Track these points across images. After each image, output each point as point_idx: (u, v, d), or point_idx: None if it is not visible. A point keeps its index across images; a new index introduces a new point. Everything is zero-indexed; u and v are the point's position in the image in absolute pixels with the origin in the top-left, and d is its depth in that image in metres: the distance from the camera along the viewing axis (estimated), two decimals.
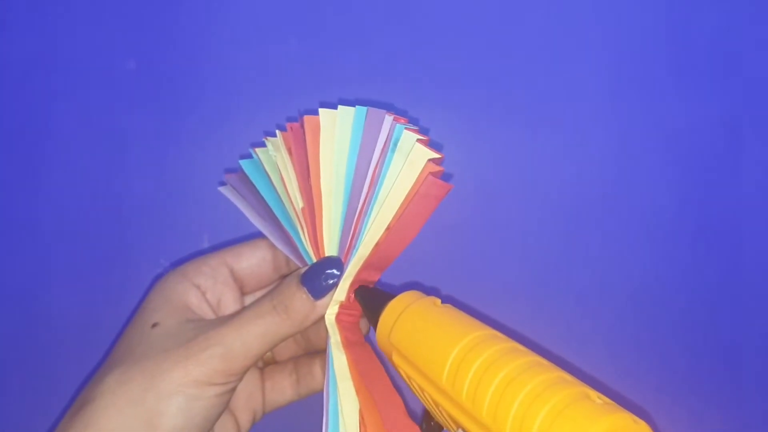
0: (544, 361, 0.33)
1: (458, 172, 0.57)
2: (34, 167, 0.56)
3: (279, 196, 0.41)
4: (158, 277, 0.55)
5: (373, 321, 0.40)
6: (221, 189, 0.44)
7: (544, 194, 0.57)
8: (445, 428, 0.37)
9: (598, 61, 0.58)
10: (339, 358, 0.39)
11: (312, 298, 0.40)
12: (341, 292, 0.40)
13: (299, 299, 0.39)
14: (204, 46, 0.57)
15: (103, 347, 0.52)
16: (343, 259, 0.40)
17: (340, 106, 0.41)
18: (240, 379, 0.40)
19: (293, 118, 0.56)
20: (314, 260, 0.41)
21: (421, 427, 0.39)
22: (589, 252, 0.57)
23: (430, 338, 0.36)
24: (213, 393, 0.38)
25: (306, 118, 0.41)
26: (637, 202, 0.57)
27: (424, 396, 0.36)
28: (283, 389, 0.45)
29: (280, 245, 0.42)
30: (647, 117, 0.57)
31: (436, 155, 0.40)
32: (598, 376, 0.56)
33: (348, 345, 0.40)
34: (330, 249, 0.40)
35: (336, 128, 0.40)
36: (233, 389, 0.40)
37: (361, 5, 0.58)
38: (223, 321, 0.40)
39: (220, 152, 0.56)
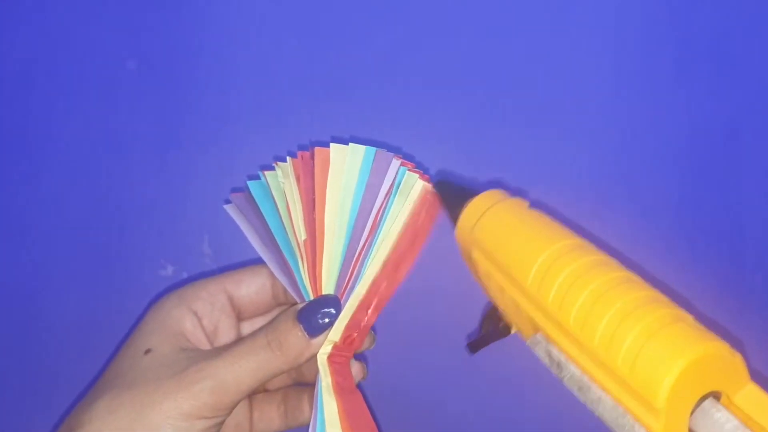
0: (636, 278, 0.32)
1: (457, 171, 0.57)
2: (34, 168, 0.56)
3: (283, 224, 0.42)
4: (159, 278, 0.55)
5: (454, 215, 0.40)
6: (226, 207, 0.44)
7: (544, 193, 0.57)
8: (515, 331, 0.37)
9: (598, 61, 0.58)
10: (329, 404, 0.39)
11: (307, 336, 0.40)
12: (336, 332, 0.40)
13: (294, 336, 0.39)
14: (204, 46, 0.57)
15: (104, 349, 0.52)
16: (340, 298, 0.41)
17: (351, 144, 0.41)
18: (229, 413, 0.40)
19: (293, 118, 0.56)
20: (311, 296, 0.41)
21: (481, 326, 0.42)
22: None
23: (519, 239, 0.35)
24: (202, 426, 0.38)
25: (317, 150, 0.41)
26: (638, 202, 0.57)
27: (503, 296, 0.35)
28: (270, 419, 0.45)
29: (279, 275, 0.42)
30: (649, 116, 0.57)
31: (430, 186, 0.42)
32: None
33: (339, 391, 0.40)
34: (328, 286, 0.41)
35: (345, 165, 0.41)
36: (222, 422, 0.40)
37: (361, 5, 0.57)
38: (216, 353, 0.39)
39: (220, 152, 0.56)
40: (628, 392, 0.29)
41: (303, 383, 0.46)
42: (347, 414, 0.39)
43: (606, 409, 0.30)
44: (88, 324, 0.56)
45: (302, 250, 0.41)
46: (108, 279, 0.56)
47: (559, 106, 0.57)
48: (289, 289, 0.41)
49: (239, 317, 0.44)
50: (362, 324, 0.41)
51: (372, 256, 0.40)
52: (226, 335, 0.43)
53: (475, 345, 0.42)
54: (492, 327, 0.40)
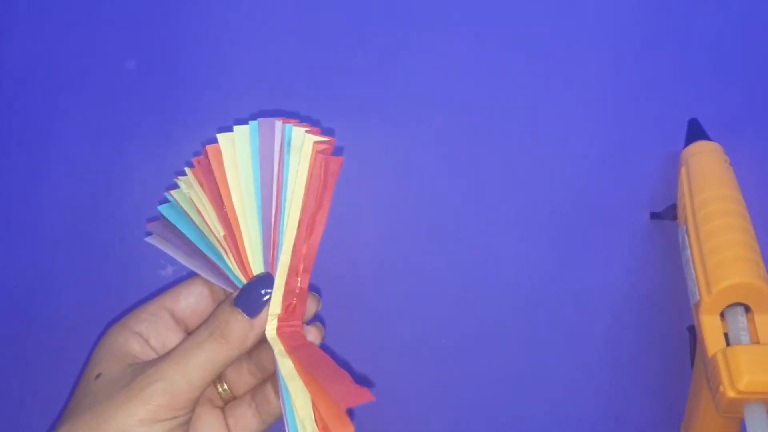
0: (752, 232, 0.47)
1: (456, 171, 0.57)
2: (33, 167, 0.56)
3: (201, 231, 0.42)
4: (159, 278, 0.55)
5: (687, 142, 0.55)
6: (148, 239, 0.43)
7: (540, 194, 0.57)
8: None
9: (591, 62, 0.58)
10: (285, 364, 0.39)
11: (248, 318, 0.40)
12: (275, 305, 0.40)
13: (235, 321, 0.39)
14: (204, 45, 0.57)
15: None
16: (271, 272, 0.41)
17: (235, 126, 0.41)
18: (190, 412, 0.39)
19: (293, 117, 0.56)
20: (244, 281, 0.41)
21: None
22: (585, 251, 0.57)
23: (711, 171, 0.51)
24: (162, 429, 0.38)
25: (208, 147, 0.41)
26: (636, 202, 0.57)
27: (682, 198, 0.52)
28: (246, 422, 0.44)
29: (211, 278, 0.42)
30: (649, 116, 0.57)
31: (323, 138, 0.41)
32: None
33: (291, 350, 0.40)
34: (256, 267, 0.41)
35: (236, 149, 0.41)
36: (185, 423, 0.39)
37: (361, 5, 0.58)
38: (162, 357, 0.40)
39: None
40: (703, 272, 0.46)
41: (268, 378, 0.46)
42: (302, 362, 0.39)
43: (688, 272, 0.48)
44: (88, 324, 0.56)
45: (224, 245, 0.41)
46: (108, 279, 0.56)
47: (558, 107, 0.57)
48: (225, 287, 0.41)
49: (187, 330, 0.44)
50: (297, 289, 0.41)
51: (284, 220, 0.40)
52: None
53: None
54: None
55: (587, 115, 0.57)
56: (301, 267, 0.41)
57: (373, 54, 0.57)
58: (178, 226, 0.42)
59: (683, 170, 0.52)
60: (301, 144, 0.40)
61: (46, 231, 0.56)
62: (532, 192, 0.57)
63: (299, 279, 0.41)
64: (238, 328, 0.39)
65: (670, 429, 0.55)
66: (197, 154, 0.56)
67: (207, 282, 0.43)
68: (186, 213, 0.42)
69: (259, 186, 0.41)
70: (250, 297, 0.40)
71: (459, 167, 0.57)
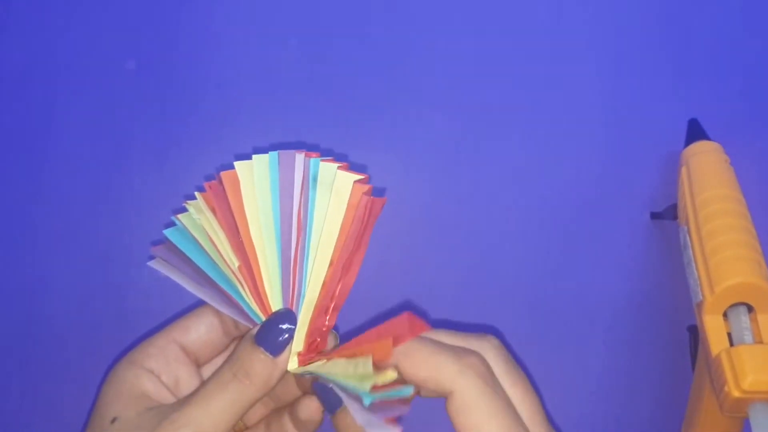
0: (753, 232, 0.48)
1: (456, 171, 0.57)
2: (34, 167, 0.56)
3: (212, 259, 0.40)
4: (159, 279, 0.55)
5: (687, 142, 0.55)
6: (150, 264, 0.42)
7: (540, 194, 0.57)
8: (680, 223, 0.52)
9: (592, 62, 0.58)
10: (327, 369, 0.38)
11: (271, 356, 0.38)
12: (298, 342, 0.39)
13: (258, 361, 0.38)
14: (204, 46, 0.57)
15: (104, 349, 0.51)
16: (291, 308, 0.39)
17: (254, 156, 0.40)
18: None
19: (293, 117, 0.56)
20: (262, 317, 0.40)
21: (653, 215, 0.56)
22: (585, 251, 0.57)
23: (711, 172, 0.51)
24: None
25: (223, 174, 0.40)
26: (635, 201, 0.57)
27: (683, 197, 0.52)
28: None
29: (224, 309, 0.40)
30: (643, 116, 0.58)
31: (360, 176, 0.40)
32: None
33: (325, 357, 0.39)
34: (274, 302, 0.40)
35: (254, 178, 0.40)
36: None
37: (361, 6, 0.58)
38: (185, 401, 0.38)
39: (220, 152, 0.56)
40: (705, 272, 0.46)
41: (282, 406, 0.45)
42: (347, 352, 0.38)
43: (690, 272, 0.48)
44: (88, 324, 0.56)
45: (239, 277, 0.39)
46: (108, 279, 0.56)
47: (558, 107, 0.57)
48: (239, 319, 0.40)
49: (198, 363, 0.42)
50: (324, 327, 0.40)
51: (311, 256, 0.39)
52: (189, 385, 0.42)
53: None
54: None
55: (587, 116, 0.57)
56: (332, 305, 0.40)
57: (372, 54, 0.57)
58: (185, 251, 0.40)
59: (684, 170, 0.53)
60: (332, 181, 0.39)
61: (45, 231, 0.56)
62: (533, 192, 0.57)
63: (327, 317, 0.40)
64: (263, 367, 0.38)
65: (670, 429, 0.55)
66: (197, 153, 0.56)
67: (217, 313, 0.42)
68: (195, 239, 0.41)
69: (278, 218, 0.39)
70: (273, 335, 0.39)
71: (459, 167, 0.57)
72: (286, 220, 0.39)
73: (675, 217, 0.53)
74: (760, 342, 0.44)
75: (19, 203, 0.56)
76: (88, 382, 0.52)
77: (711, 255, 0.46)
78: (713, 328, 0.45)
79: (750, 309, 0.45)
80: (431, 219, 0.57)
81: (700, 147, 0.53)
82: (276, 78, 0.57)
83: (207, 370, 0.43)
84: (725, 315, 0.46)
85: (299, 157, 0.39)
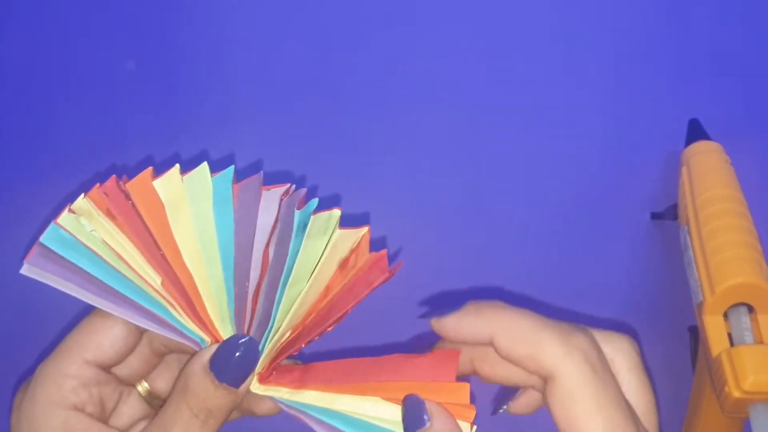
0: (754, 232, 0.48)
1: (456, 171, 0.57)
2: (33, 167, 0.56)
3: (120, 272, 0.35)
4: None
5: (687, 143, 0.55)
6: (23, 271, 0.35)
7: (541, 194, 0.57)
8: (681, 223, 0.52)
9: (592, 62, 0.58)
10: (308, 398, 0.35)
11: (233, 389, 0.34)
12: (260, 365, 0.35)
13: (221, 397, 0.34)
14: (204, 46, 0.57)
15: None
16: (244, 332, 0.35)
17: (184, 177, 0.36)
18: None
19: (293, 117, 0.56)
20: (203, 336, 0.35)
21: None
22: (586, 251, 0.57)
23: (712, 172, 0.51)
24: None
25: (130, 185, 0.35)
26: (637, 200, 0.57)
27: (683, 197, 0.52)
28: None
29: (145, 324, 0.35)
30: (643, 116, 0.58)
31: (361, 230, 0.36)
32: None
33: (300, 382, 0.36)
34: (223, 325, 0.35)
35: (186, 201, 0.35)
36: None
37: (361, 6, 0.58)
38: None
39: (220, 152, 0.56)
40: (706, 272, 0.47)
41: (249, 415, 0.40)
42: (337, 378, 0.35)
43: (691, 272, 0.48)
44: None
45: (164, 294, 0.35)
46: None
47: (559, 107, 0.57)
48: (169, 335, 0.35)
49: (117, 373, 0.37)
50: (295, 352, 0.36)
51: (289, 294, 0.35)
52: (111, 399, 0.37)
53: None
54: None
55: (588, 116, 0.57)
56: (305, 337, 0.36)
57: (372, 54, 0.57)
58: (73, 260, 0.35)
59: (684, 170, 0.53)
60: (328, 235, 0.36)
61: (45, 230, 0.56)
62: (533, 192, 0.57)
63: (304, 345, 0.36)
64: (225, 403, 0.34)
65: (670, 429, 0.55)
66: (197, 153, 0.56)
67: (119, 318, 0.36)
68: (86, 246, 0.35)
69: (229, 245, 0.35)
70: (235, 368, 0.34)
71: (459, 168, 0.57)
72: (243, 249, 0.35)
73: (675, 217, 0.53)
74: (761, 342, 0.44)
75: (19, 203, 0.56)
76: None
77: (711, 255, 0.46)
78: (714, 329, 0.45)
79: (750, 309, 0.45)
80: (431, 219, 0.57)
81: (700, 147, 0.53)
82: (276, 78, 0.57)
83: (122, 370, 0.37)
84: (726, 315, 0.46)
85: (270, 195, 0.35)
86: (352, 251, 0.36)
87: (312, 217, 0.35)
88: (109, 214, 0.35)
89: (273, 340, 0.35)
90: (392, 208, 0.57)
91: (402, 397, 0.34)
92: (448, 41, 0.58)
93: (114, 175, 0.34)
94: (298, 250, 0.35)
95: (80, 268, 0.35)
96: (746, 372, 0.41)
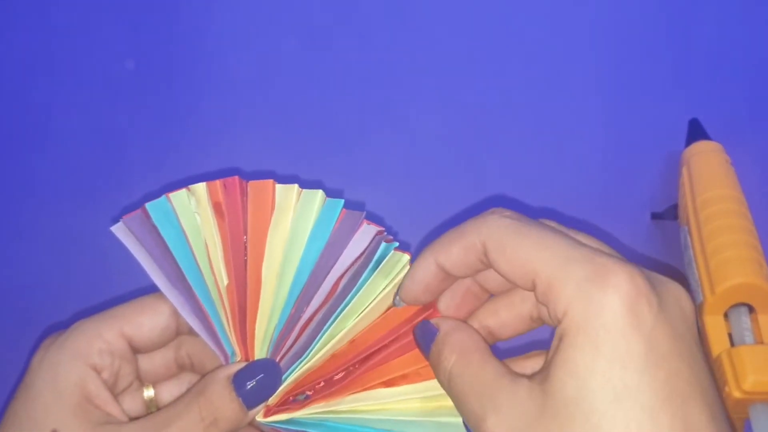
0: (753, 232, 0.48)
1: (456, 171, 0.57)
2: (33, 167, 0.56)
3: (195, 259, 0.35)
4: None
5: (688, 142, 0.55)
6: (114, 229, 0.36)
7: (541, 194, 0.57)
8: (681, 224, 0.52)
9: (592, 62, 0.58)
10: (323, 413, 0.35)
11: (245, 408, 0.34)
12: (274, 397, 0.36)
13: (231, 409, 0.34)
14: (204, 46, 0.57)
15: None
16: (277, 358, 0.35)
17: (304, 191, 0.35)
18: None
19: (293, 117, 0.56)
20: (238, 354, 0.35)
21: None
22: None
23: (712, 172, 0.52)
24: None
25: (252, 184, 0.35)
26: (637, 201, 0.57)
27: (684, 197, 0.52)
28: None
29: (190, 320, 0.36)
30: (643, 116, 0.58)
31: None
32: None
33: (305, 406, 0.35)
34: (261, 346, 0.35)
35: (295, 211, 0.36)
36: None
37: (361, 6, 0.58)
38: None
39: (220, 152, 0.56)
40: (706, 272, 0.47)
41: None
42: (354, 384, 0.35)
43: (691, 272, 0.48)
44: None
45: (224, 296, 0.35)
46: (108, 279, 0.56)
47: (558, 107, 0.57)
48: (206, 339, 0.36)
49: (136, 351, 0.37)
50: (302, 390, 0.36)
51: (337, 326, 0.35)
52: (125, 381, 0.37)
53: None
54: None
55: (588, 116, 0.57)
56: (323, 387, 0.36)
57: (373, 54, 0.57)
58: (164, 235, 0.35)
59: (684, 170, 0.53)
60: (395, 275, 0.35)
61: (45, 231, 0.56)
62: (533, 192, 0.57)
63: (323, 382, 0.36)
64: (233, 416, 0.35)
65: None
66: (197, 153, 0.56)
67: (174, 311, 0.36)
68: (181, 227, 0.35)
69: (309, 267, 0.35)
70: (255, 386, 0.34)
71: (459, 168, 0.57)
72: (319, 276, 0.35)
73: (676, 218, 0.53)
74: (761, 343, 0.44)
75: (19, 203, 0.56)
76: None
77: (712, 255, 0.46)
78: (714, 329, 0.45)
79: (751, 309, 0.45)
80: (431, 219, 0.57)
81: (700, 147, 0.54)
82: (276, 78, 0.57)
83: (144, 363, 0.38)
84: (726, 315, 0.46)
85: (369, 229, 0.35)
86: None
87: (388, 256, 0.35)
88: (217, 208, 0.36)
89: (298, 373, 0.35)
90: (392, 207, 0.57)
91: (400, 373, 0.34)
92: (448, 41, 0.58)
93: (250, 182, 0.35)
94: (363, 285, 0.35)
95: (164, 244, 0.35)
96: (746, 372, 0.41)
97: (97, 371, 0.35)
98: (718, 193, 0.49)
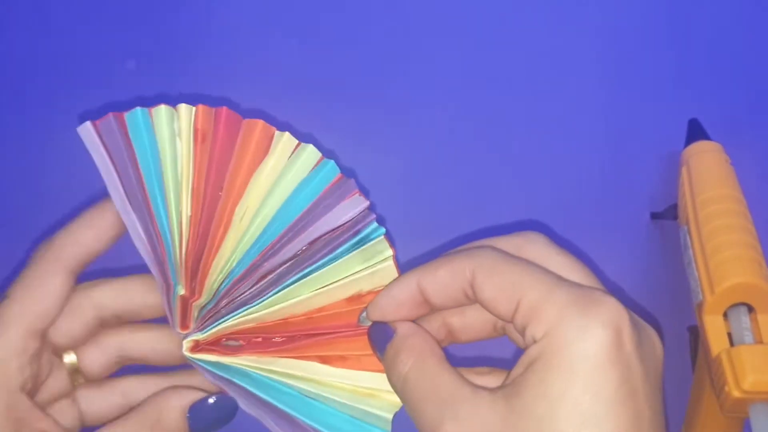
0: (754, 233, 0.48)
1: (456, 171, 0.57)
2: (33, 167, 0.56)
3: (163, 182, 0.33)
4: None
5: (687, 143, 0.55)
6: (80, 129, 0.34)
7: (540, 194, 0.57)
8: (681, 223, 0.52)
9: (592, 62, 0.58)
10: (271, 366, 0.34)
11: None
12: (206, 335, 0.34)
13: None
14: (204, 46, 0.57)
15: None
16: (224, 301, 0.34)
17: (303, 144, 0.34)
18: None
19: (292, 117, 0.56)
20: (182, 289, 0.34)
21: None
22: (585, 251, 0.57)
23: (711, 172, 0.52)
24: None
25: (247, 122, 0.33)
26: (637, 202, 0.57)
27: (683, 198, 0.52)
28: None
29: (138, 240, 0.34)
30: (643, 116, 0.58)
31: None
32: None
33: (238, 352, 0.34)
34: (212, 285, 0.34)
35: (287, 162, 0.34)
36: None
37: (361, 5, 0.58)
38: None
39: None
40: (705, 272, 0.46)
41: None
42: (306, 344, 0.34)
43: (690, 272, 0.48)
44: None
45: (184, 226, 0.33)
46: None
47: (558, 107, 0.57)
48: (150, 265, 0.34)
49: (54, 341, 0.34)
50: (236, 337, 0.35)
51: (299, 287, 0.33)
52: (46, 369, 0.34)
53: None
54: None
55: (588, 116, 0.57)
56: (279, 340, 0.34)
57: (373, 53, 0.57)
58: (136, 147, 0.33)
59: (684, 170, 0.53)
60: (378, 260, 0.34)
61: (45, 231, 0.56)
62: (533, 192, 0.57)
63: (261, 339, 0.34)
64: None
65: (670, 429, 0.55)
66: None
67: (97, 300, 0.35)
68: (156, 145, 0.33)
69: (285, 219, 0.34)
70: (209, 423, 0.33)
71: (458, 168, 0.57)
72: (293, 231, 0.34)
73: (675, 217, 0.53)
74: (761, 342, 0.44)
75: (19, 204, 0.56)
76: None
77: (711, 255, 0.46)
78: (713, 329, 0.45)
79: (750, 309, 0.45)
80: (430, 220, 0.57)
81: (700, 147, 0.54)
82: (276, 78, 0.57)
83: (57, 332, 0.34)
84: (725, 315, 0.46)
85: (361, 201, 0.34)
86: (372, 292, 0.34)
87: (373, 241, 0.34)
88: (202, 135, 0.33)
89: (240, 320, 0.33)
90: (392, 207, 0.57)
91: (340, 354, 0.34)
92: (447, 40, 0.58)
93: (245, 120, 0.33)
94: (338, 259, 0.34)
95: (134, 157, 0.33)
96: (746, 372, 0.41)
97: (22, 389, 0.32)
98: (718, 192, 0.49)
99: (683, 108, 0.57)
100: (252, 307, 0.33)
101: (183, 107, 0.33)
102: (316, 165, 0.34)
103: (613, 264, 0.57)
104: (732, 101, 0.57)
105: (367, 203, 0.33)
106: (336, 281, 0.34)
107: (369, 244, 0.33)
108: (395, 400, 0.33)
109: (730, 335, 0.45)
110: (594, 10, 0.58)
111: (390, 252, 0.34)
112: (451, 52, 0.58)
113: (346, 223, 0.33)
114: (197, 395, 0.33)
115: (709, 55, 0.58)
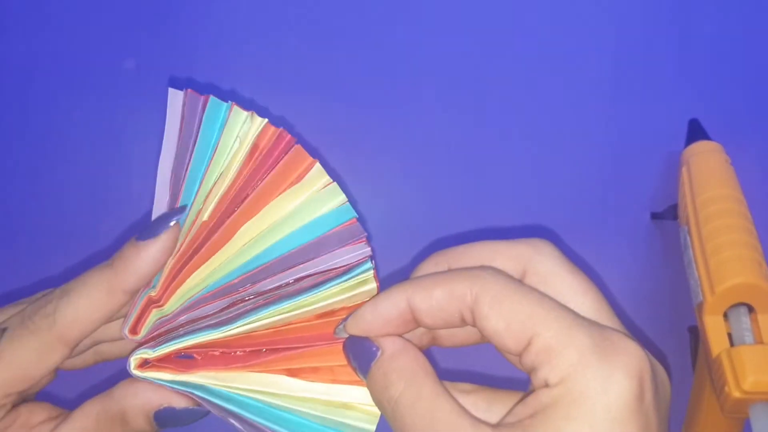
0: (754, 233, 0.48)
1: (456, 171, 0.57)
2: (33, 167, 0.56)
3: (203, 177, 0.33)
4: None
5: (687, 143, 0.55)
6: (171, 92, 0.35)
7: (540, 194, 0.57)
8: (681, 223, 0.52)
9: (592, 62, 0.58)
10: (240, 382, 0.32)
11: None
12: (155, 353, 0.32)
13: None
14: (204, 45, 0.57)
15: None
16: (182, 316, 0.33)
17: (333, 184, 0.33)
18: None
19: (293, 117, 0.56)
20: (158, 286, 0.33)
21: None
22: (585, 251, 0.57)
23: (712, 172, 0.52)
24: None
25: (297, 149, 0.33)
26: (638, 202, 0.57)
27: (683, 198, 0.52)
28: None
29: (158, 208, 0.34)
30: (643, 116, 0.58)
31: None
32: None
33: (191, 368, 0.32)
34: (180, 298, 0.33)
35: (309, 195, 0.33)
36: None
37: (361, 5, 0.57)
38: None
39: None
40: (706, 272, 0.46)
41: None
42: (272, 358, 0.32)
43: (691, 272, 0.48)
44: None
45: (194, 227, 0.33)
46: None
47: (558, 107, 0.57)
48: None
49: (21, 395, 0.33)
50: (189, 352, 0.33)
51: (258, 319, 0.32)
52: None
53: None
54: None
55: (588, 116, 0.57)
56: (240, 354, 0.33)
57: (373, 53, 0.57)
58: (202, 132, 0.33)
59: (684, 170, 0.53)
60: (359, 291, 0.33)
61: (45, 231, 0.56)
62: (533, 192, 0.57)
63: (219, 352, 0.33)
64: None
65: (670, 429, 0.55)
66: None
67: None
68: (219, 139, 0.33)
69: (284, 249, 0.33)
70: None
71: (459, 168, 0.57)
72: (285, 263, 0.33)
73: (675, 218, 0.53)
74: (761, 342, 0.44)
75: (19, 203, 0.56)
76: (87, 380, 0.52)
77: (711, 255, 0.47)
78: (714, 329, 0.45)
79: (750, 309, 0.45)
80: (430, 220, 0.57)
81: (700, 147, 0.54)
82: (276, 77, 0.57)
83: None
84: (726, 315, 0.46)
85: (362, 248, 0.33)
86: (346, 308, 0.32)
87: (359, 277, 0.32)
88: (258, 151, 0.33)
89: (195, 342, 0.32)
90: (392, 207, 0.57)
91: (310, 367, 0.32)
92: (447, 40, 0.58)
93: (296, 146, 0.32)
94: (318, 291, 0.32)
95: (195, 139, 0.33)
96: (746, 372, 0.41)
97: None
98: (718, 193, 0.49)
99: (683, 108, 0.57)
100: (211, 332, 0.32)
101: (256, 117, 0.33)
102: (336, 206, 0.32)
103: (613, 264, 0.57)
104: (732, 101, 0.57)
105: (369, 251, 0.32)
106: (310, 306, 0.32)
107: (355, 279, 0.32)
108: (375, 411, 0.31)
109: (730, 335, 0.45)
110: (594, 11, 0.58)
111: (374, 285, 0.32)
112: (451, 53, 0.58)
113: (341, 267, 0.32)
114: (165, 400, 0.31)
115: (709, 55, 0.58)
